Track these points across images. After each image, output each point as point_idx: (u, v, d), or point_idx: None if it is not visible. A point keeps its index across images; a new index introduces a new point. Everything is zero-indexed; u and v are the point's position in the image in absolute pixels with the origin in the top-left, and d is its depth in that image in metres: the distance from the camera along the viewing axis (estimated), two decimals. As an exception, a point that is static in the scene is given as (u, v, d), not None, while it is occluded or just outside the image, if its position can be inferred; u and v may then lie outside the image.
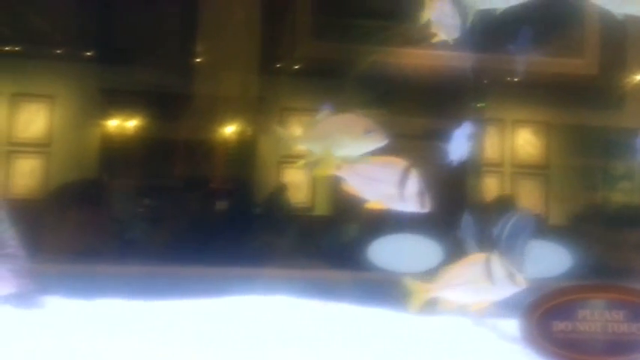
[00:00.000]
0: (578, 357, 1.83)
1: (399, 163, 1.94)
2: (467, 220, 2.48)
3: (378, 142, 1.99)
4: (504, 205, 5.87)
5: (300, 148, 2.05)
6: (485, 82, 5.82)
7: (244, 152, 5.99)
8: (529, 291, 1.93)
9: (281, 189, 5.75)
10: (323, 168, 1.98)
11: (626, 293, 1.85)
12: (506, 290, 1.99)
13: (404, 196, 1.92)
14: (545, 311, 1.84)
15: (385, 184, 1.94)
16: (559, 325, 1.83)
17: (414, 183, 1.93)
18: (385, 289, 2.79)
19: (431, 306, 2.04)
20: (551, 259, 2.57)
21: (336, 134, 2.01)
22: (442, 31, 2.10)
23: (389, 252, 2.75)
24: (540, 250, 2.40)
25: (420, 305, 2.01)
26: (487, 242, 2.44)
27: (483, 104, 5.71)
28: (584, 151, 6.27)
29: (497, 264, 2.00)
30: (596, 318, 1.83)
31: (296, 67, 6.06)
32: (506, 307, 2.06)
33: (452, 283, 2.03)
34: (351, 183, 1.97)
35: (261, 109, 6.12)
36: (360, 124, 2.01)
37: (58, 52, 6.04)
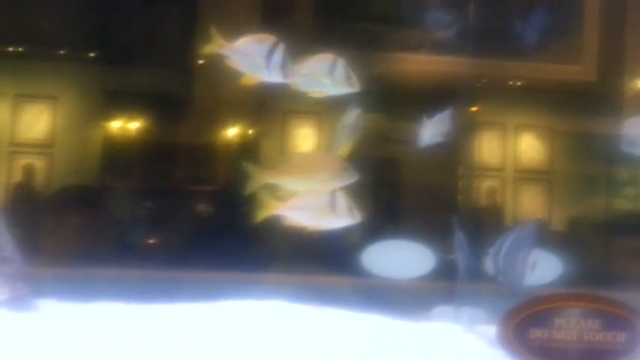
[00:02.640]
0: (554, 364, 1.87)
1: (269, 39, 2.17)
2: (459, 240, 2.51)
3: (352, 178, 2.24)
4: (500, 220, 5.89)
5: (274, 183, 2.19)
6: (482, 86, 5.84)
7: (246, 155, 6.01)
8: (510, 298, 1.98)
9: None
10: (209, 48, 2.19)
11: (602, 303, 1.89)
12: (344, 222, 2.19)
13: (269, 67, 2.14)
14: (523, 319, 1.88)
15: (256, 56, 2.16)
16: (536, 333, 1.87)
17: (279, 55, 2.15)
18: (379, 294, 2.83)
19: (275, 221, 2.20)
20: (550, 266, 2.59)
21: (312, 171, 2.24)
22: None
23: (383, 258, 2.78)
24: (540, 257, 2.41)
25: (265, 217, 2.19)
26: (481, 263, 2.47)
27: (476, 108, 5.74)
28: (587, 157, 6.28)
29: (341, 197, 2.18)
30: (572, 326, 1.87)
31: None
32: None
33: (298, 206, 2.20)
34: (232, 59, 2.18)
35: (263, 112, 6.15)
36: (335, 162, 2.28)
37: (61, 53, 6.07)
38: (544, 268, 2.48)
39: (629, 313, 1.88)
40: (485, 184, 6.47)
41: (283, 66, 2.16)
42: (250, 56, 2.17)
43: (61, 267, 2.91)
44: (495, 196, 6.46)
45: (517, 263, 2.31)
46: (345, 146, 2.40)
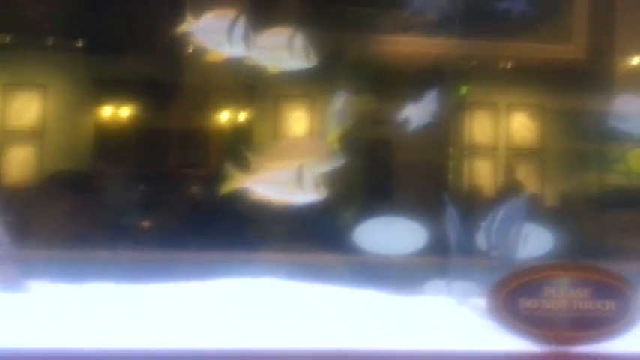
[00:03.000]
0: (544, 333, 1.88)
1: (230, 12, 2.17)
2: (450, 215, 2.52)
3: (340, 162, 2.28)
4: (493, 197, 5.93)
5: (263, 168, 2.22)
6: (474, 67, 5.86)
7: (238, 139, 6.02)
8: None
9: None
10: (181, 28, 2.21)
11: (591, 271, 1.90)
12: (309, 197, 2.18)
13: (231, 41, 2.14)
14: (513, 289, 1.89)
15: (218, 31, 2.15)
16: (526, 303, 1.88)
17: (240, 28, 2.14)
18: (373, 270, 2.85)
19: (241, 194, 2.19)
20: (544, 241, 2.61)
21: (302, 155, 2.25)
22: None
23: (376, 235, 2.80)
24: (532, 232, 2.43)
25: (231, 191, 2.18)
26: (473, 237, 2.49)
27: (466, 89, 5.76)
28: (578, 135, 6.31)
29: (308, 172, 2.18)
30: (562, 295, 1.88)
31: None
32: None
33: (265, 180, 2.19)
34: (198, 37, 2.20)
35: (254, 96, 6.14)
36: (323, 146, 2.31)
37: (50, 41, 6.04)
38: (538, 242, 2.51)
39: (618, 281, 1.90)
40: (478, 163, 6.50)
41: (245, 38, 2.15)
42: (213, 32, 2.17)
43: (53, 249, 2.91)
44: (488, 174, 6.50)
45: (510, 237, 2.33)
46: (335, 132, 2.41)
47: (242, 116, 6.27)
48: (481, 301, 2.14)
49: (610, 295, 1.89)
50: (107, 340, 1.90)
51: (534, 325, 1.86)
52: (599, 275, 1.88)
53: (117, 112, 6.25)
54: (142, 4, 5.68)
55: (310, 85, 6.03)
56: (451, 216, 2.55)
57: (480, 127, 6.56)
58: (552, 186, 6.41)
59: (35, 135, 6.08)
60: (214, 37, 2.17)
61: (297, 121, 6.31)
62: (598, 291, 1.88)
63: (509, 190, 6.14)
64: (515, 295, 1.87)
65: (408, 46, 5.58)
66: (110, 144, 6.08)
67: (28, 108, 6.11)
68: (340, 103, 2.44)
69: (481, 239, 2.49)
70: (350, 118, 2.42)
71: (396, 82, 5.18)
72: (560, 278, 1.87)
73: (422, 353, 1.91)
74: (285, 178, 2.19)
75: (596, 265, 1.94)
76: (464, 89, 5.67)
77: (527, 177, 6.54)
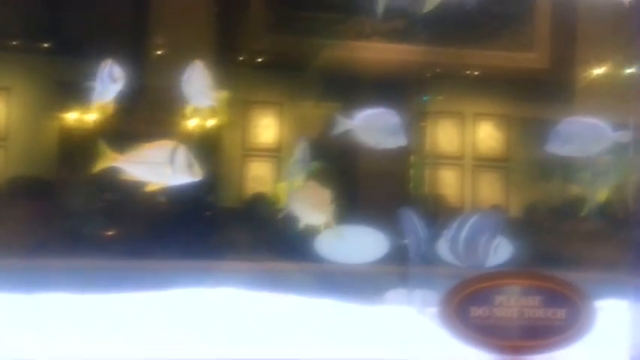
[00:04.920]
0: (495, 342, 1.88)
1: (105, 62, 2.38)
2: (411, 223, 2.52)
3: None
4: (458, 207, 5.95)
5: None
6: (438, 75, 5.89)
7: (206, 146, 5.98)
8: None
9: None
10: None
11: (542, 279, 1.91)
12: (183, 178, 2.16)
13: (104, 87, 2.36)
14: (464, 297, 1.89)
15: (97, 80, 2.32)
16: (477, 311, 1.88)
17: (115, 72, 2.39)
18: (333, 279, 2.85)
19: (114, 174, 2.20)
20: (509, 250, 2.61)
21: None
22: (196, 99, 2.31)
23: (336, 243, 2.79)
24: (502, 241, 2.44)
25: (102, 169, 2.21)
26: (433, 246, 2.49)
27: (427, 97, 5.79)
28: (541, 144, 6.34)
29: (182, 153, 2.18)
30: (513, 304, 1.89)
31: (253, 60, 6.07)
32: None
33: (137, 160, 2.19)
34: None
35: (222, 102, 6.10)
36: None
37: (14, 43, 5.96)
38: (504, 252, 2.51)
39: (568, 290, 1.91)
40: (443, 173, 6.52)
41: (111, 74, 2.37)
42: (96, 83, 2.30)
43: (7, 258, 2.85)
44: (453, 183, 6.52)
45: (479, 247, 2.33)
46: (298, 179, 2.49)
47: (211, 122, 6.23)
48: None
49: (561, 303, 1.90)
50: (63, 352, 1.87)
51: (485, 334, 1.86)
52: (551, 283, 1.89)
53: (84, 116, 6.17)
54: (108, 8, 5.63)
55: (279, 91, 6.03)
56: (411, 223, 2.55)
57: (446, 137, 6.59)
58: (519, 196, 6.45)
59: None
60: (97, 87, 2.35)
61: (267, 127, 6.30)
62: (549, 299, 1.88)
63: (476, 201, 6.16)
64: (466, 304, 1.87)
65: (373, 52, 5.60)
66: (77, 149, 6.00)
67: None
68: (301, 152, 2.47)
69: (445, 248, 2.49)
70: (310, 166, 2.50)
71: (360, 88, 5.19)
72: (511, 286, 1.88)
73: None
74: (157, 158, 2.17)
75: (547, 273, 1.94)
76: (427, 97, 5.70)
77: (494, 187, 6.58)
